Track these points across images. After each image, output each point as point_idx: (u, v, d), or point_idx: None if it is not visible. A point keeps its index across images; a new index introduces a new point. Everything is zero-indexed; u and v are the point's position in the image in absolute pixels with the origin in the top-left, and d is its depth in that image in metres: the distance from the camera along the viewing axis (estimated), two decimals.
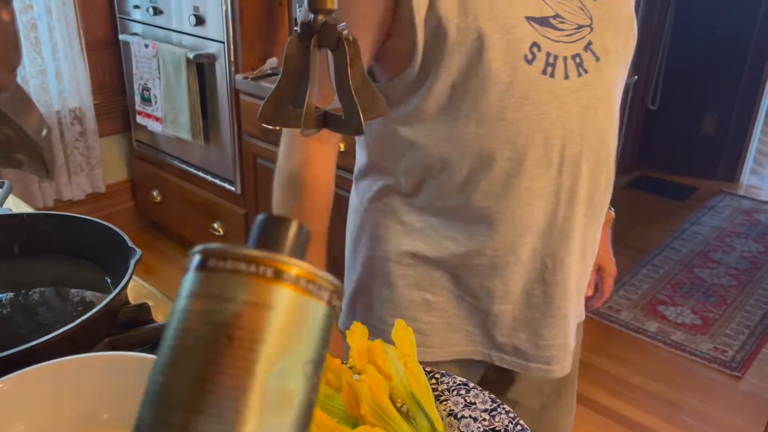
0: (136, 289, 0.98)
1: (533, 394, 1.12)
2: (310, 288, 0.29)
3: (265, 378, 0.27)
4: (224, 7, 2.41)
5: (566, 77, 0.85)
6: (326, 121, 0.53)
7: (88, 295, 0.89)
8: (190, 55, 2.53)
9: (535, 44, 0.83)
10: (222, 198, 2.81)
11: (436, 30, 0.81)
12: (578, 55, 0.86)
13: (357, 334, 0.65)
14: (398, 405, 0.65)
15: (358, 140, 1.03)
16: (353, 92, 0.50)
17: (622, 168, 3.96)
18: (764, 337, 2.65)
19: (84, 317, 0.71)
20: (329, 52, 0.52)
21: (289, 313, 0.28)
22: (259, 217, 0.31)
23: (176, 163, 2.95)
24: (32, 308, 0.88)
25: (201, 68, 2.59)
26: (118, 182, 3.23)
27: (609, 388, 2.39)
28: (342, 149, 2.19)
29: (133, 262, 0.81)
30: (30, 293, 0.90)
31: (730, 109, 4.03)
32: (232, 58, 2.48)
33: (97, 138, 2.99)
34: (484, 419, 0.64)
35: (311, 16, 0.51)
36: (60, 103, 2.81)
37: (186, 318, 0.28)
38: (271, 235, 0.30)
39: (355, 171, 1.05)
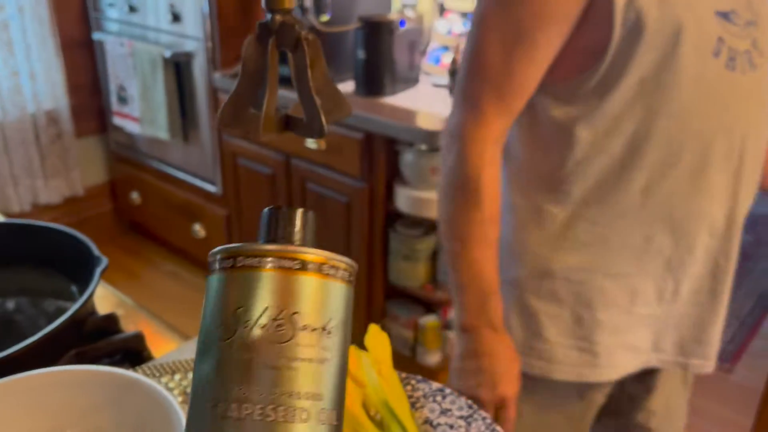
0: (107, 297, 0.96)
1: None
2: (331, 272, 0.34)
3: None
4: (201, 4, 2.38)
5: (743, 72, 0.86)
6: (288, 124, 0.51)
7: (56, 305, 0.87)
8: (167, 54, 2.50)
9: (720, 39, 0.83)
10: (203, 199, 2.77)
11: (635, 23, 0.79)
12: (748, 51, 0.87)
13: None
14: (372, 414, 0.63)
15: (508, 142, 0.95)
16: (314, 94, 0.48)
17: None
18: (754, 329, 2.65)
19: (47, 330, 0.69)
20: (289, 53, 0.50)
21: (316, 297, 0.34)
22: (266, 211, 0.37)
23: (156, 164, 2.91)
24: None
25: (178, 66, 2.55)
26: (97, 185, 3.18)
27: None
28: (323, 147, 2.17)
29: (98, 270, 0.79)
30: None
31: None
32: (210, 56, 2.44)
33: (73, 140, 2.94)
34: (461, 426, 0.62)
35: (269, 16, 0.49)
36: (35, 105, 2.77)
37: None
38: (285, 228, 0.36)
39: (508, 175, 0.97)
